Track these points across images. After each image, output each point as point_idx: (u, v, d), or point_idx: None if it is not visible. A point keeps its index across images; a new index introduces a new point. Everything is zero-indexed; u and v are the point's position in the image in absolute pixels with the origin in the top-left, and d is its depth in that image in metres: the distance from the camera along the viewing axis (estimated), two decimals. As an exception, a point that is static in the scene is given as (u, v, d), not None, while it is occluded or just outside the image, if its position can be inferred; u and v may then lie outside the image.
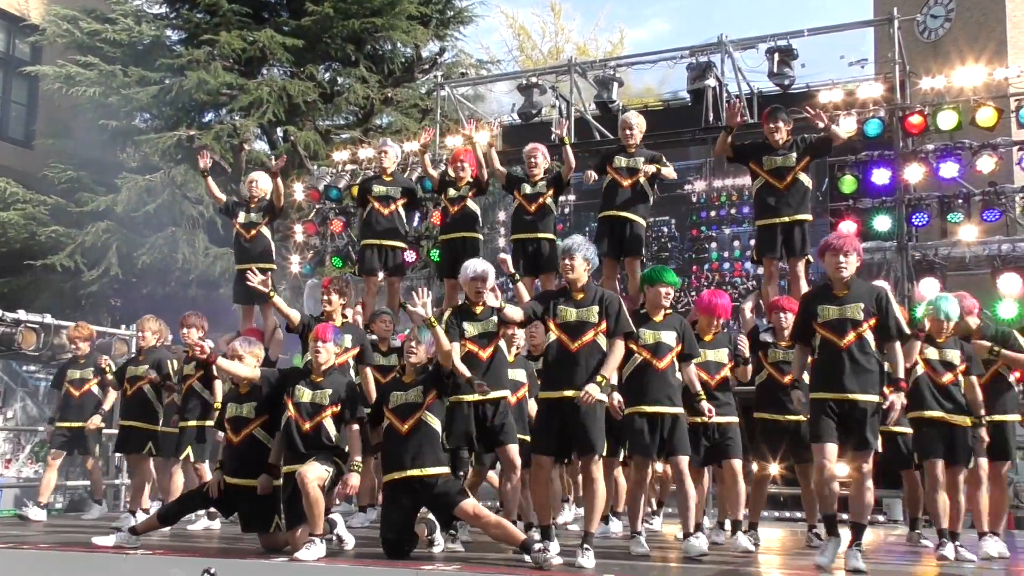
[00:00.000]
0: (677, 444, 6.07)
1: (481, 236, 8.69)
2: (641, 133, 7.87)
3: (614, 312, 5.75)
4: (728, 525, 7.08)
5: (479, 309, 6.24)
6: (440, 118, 13.97)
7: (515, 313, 5.91)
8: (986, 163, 10.22)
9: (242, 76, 16.84)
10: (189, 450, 7.86)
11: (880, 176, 10.55)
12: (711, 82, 11.76)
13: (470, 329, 6.17)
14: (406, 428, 5.81)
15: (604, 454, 5.87)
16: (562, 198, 13.68)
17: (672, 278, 6.36)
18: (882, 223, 10.46)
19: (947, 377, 6.41)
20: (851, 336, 5.49)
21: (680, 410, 6.14)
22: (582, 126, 12.82)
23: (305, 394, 6.14)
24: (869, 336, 5.51)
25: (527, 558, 5.37)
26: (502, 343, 6.30)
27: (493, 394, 6.04)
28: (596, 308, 5.73)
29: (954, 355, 6.47)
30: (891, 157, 10.69)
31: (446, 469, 5.83)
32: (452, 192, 8.48)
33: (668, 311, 6.34)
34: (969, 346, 6.65)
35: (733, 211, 12.15)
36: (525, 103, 12.87)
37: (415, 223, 12.82)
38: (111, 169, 16.82)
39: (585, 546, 5.44)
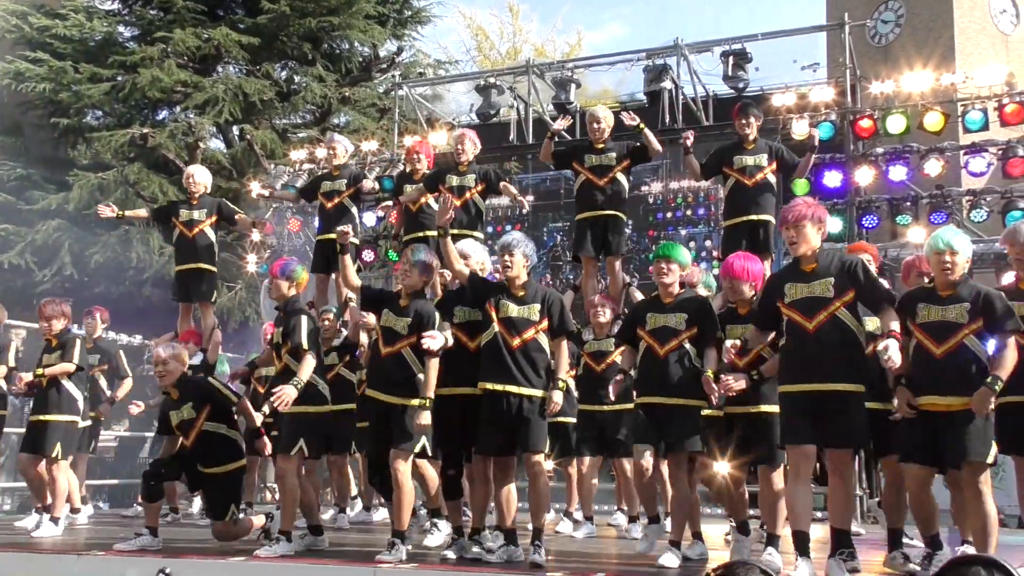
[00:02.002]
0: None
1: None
2: (609, 128, 7.71)
3: (557, 312, 5.68)
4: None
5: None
6: (398, 118, 13.96)
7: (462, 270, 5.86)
8: (933, 166, 10.46)
9: (197, 74, 16.69)
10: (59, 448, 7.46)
11: (831, 178, 10.74)
12: (667, 84, 11.89)
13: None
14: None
15: (546, 451, 5.78)
16: (530, 198, 13.85)
17: (674, 252, 5.82)
18: (833, 225, 10.64)
19: None
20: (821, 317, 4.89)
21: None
22: (540, 127, 12.87)
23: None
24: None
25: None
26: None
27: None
28: (537, 306, 5.65)
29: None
30: (842, 160, 10.89)
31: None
32: (408, 188, 8.10)
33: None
34: None
35: (689, 212, 12.29)
36: (483, 104, 12.90)
37: (371, 223, 12.79)
38: (62, 167, 16.58)
39: (536, 543, 5.43)
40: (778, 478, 5.42)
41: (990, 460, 4.77)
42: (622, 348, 6.18)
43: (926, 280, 5.20)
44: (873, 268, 5.36)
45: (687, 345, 5.59)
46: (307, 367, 5.98)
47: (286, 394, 5.81)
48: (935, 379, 4.84)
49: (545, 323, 5.65)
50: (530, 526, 5.55)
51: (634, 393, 5.83)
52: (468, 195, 7.58)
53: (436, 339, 5.53)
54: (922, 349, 4.93)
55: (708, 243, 12.13)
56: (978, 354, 4.83)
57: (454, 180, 7.65)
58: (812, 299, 4.92)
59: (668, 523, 5.94)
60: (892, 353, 4.64)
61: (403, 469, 5.65)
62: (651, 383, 5.63)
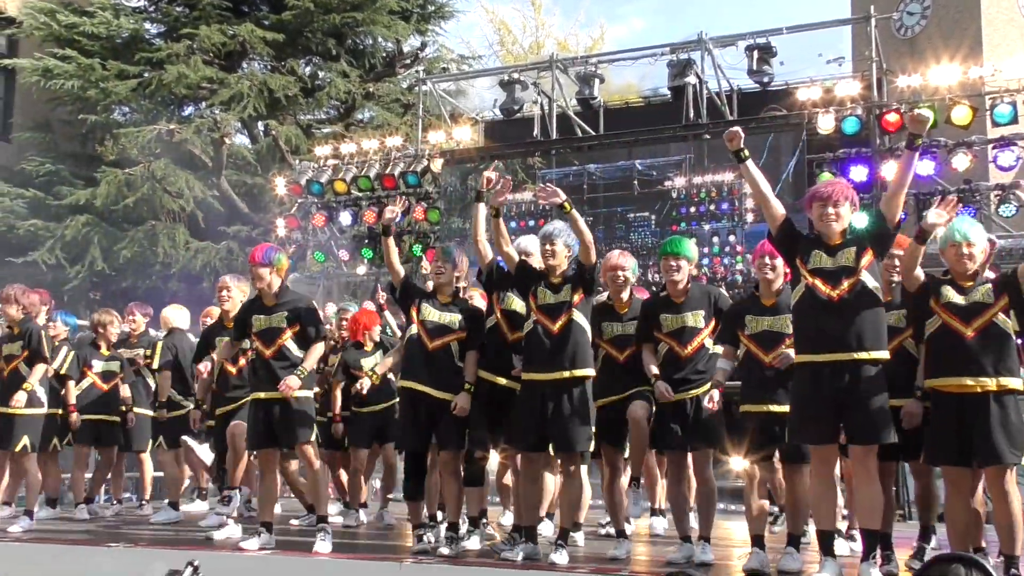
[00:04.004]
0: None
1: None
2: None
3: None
4: None
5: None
6: (422, 113, 14.01)
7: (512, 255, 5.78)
8: (961, 161, 10.36)
9: (222, 70, 16.81)
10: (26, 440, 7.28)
11: (858, 173, 10.67)
12: (691, 79, 11.85)
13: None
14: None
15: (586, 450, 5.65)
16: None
17: (683, 248, 5.73)
18: (859, 220, 10.53)
19: None
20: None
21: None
22: (564, 122, 12.89)
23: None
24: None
25: None
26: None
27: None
28: (569, 286, 5.57)
29: None
30: (868, 154, 10.82)
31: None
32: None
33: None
34: None
35: (713, 207, 12.24)
36: (507, 99, 12.90)
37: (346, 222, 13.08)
38: (90, 163, 16.77)
39: (559, 543, 5.41)
40: (802, 476, 5.33)
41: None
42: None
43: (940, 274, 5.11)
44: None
45: (708, 342, 5.59)
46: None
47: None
48: (965, 360, 4.73)
49: (578, 297, 5.56)
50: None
51: (662, 384, 5.62)
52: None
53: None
54: (950, 331, 4.82)
55: (732, 238, 12.07)
56: (1009, 332, 4.76)
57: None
58: (838, 269, 4.77)
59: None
60: None
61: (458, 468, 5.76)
62: (675, 383, 5.56)
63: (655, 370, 5.64)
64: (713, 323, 5.64)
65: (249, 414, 6.24)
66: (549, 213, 12.94)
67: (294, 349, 6.04)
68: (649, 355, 5.77)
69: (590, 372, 5.58)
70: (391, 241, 6.05)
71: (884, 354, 4.71)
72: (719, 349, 5.59)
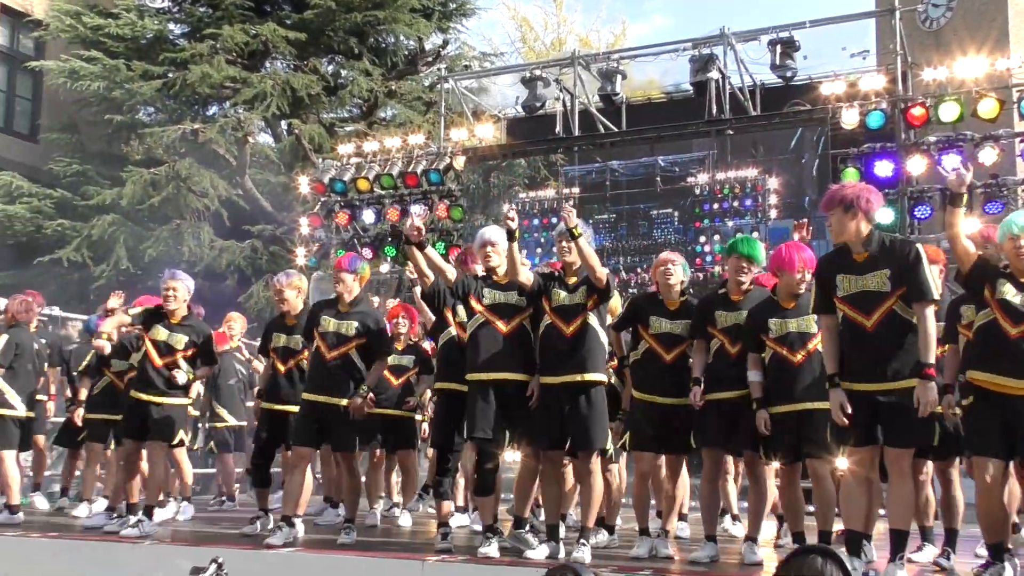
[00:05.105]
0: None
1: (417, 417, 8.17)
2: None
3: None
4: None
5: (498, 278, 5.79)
6: (444, 111, 14.01)
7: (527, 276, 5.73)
8: (988, 155, 10.23)
9: (245, 69, 16.91)
10: None
11: (882, 168, 10.56)
12: (714, 74, 11.76)
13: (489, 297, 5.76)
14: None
15: (604, 447, 5.68)
16: (565, 190, 13.83)
17: (755, 251, 5.71)
18: (884, 215, 10.47)
19: None
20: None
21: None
22: (586, 119, 12.85)
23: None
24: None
25: None
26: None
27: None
28: (584, 288, 5.59)
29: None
30: (893, 149, 10.70)
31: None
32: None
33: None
34: None
35: (736, 203, 12.16)
36: (529, 96, 12.86)
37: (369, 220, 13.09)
38: (116, 163, 16.92)
39: (582, 541, 5.42)
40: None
41: None
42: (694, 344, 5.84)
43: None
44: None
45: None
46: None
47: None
48: (1013, 362, 4.60)
49: (592, 301, 5.57)
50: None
51: (697, 390, 5.62)
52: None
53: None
54: (997, 328, 4.70)
55: (755, 235, 11.98)
56: None
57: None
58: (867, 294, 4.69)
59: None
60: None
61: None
62: (725, 381, 5.54)
63: (697, 372, 5.64)
64: None
65: (300, 412, 6.38)
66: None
67: (356, 360, 6.23)
68: (699, 354, 5.72)
69: (602, 378, 5.59)
70: (417, 252, 5.80)
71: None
72: None
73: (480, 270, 5.98)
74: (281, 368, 6.84)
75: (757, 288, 5.74)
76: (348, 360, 6.20)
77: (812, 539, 5.18)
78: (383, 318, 6.68)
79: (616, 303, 6.35)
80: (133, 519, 6.61)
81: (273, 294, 7.15)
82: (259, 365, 9.16)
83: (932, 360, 4.54)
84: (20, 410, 7.66)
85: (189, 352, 6.87)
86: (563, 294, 5.62)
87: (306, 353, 6.65)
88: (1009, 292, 4.70)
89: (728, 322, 5.60)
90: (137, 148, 17.25)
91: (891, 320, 4.64)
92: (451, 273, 5.85)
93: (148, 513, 6.64)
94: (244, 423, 9.31)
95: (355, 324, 6.23)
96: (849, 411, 4.64)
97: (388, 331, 6.54)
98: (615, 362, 6.32)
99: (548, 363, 5.58)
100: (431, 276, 5.90)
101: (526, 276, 5.73)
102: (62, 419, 8.88)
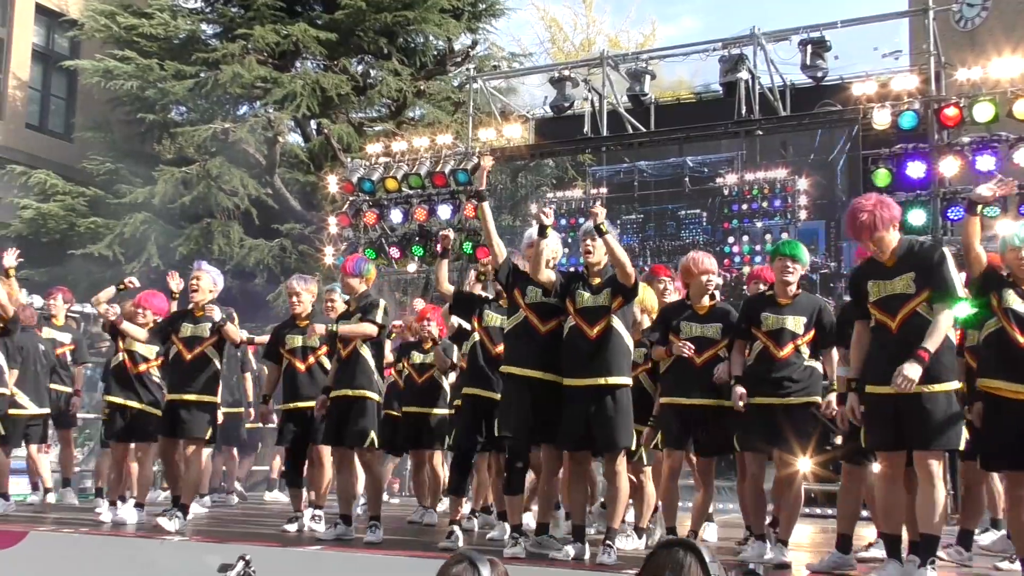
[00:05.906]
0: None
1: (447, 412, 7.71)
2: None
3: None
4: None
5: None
6: (473, 111, 14.02)
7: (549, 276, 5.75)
8: (1023, 156, 10.09)
9: (276, 69, 17.02)
10: None
11: (915, 169, 10.44)
12: (744, 75, 11.68)
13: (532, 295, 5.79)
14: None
15: (631, 447, 5.66)
16: (593, 191, 13.79)
17: (799, 252, 5.71)
18: (917, 217, 10.36)
19: None
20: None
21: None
22: (615, 119, 12.82)
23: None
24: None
25: None
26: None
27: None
28: (608, 290, 5.57)
29: None
30: (926, 150, 10.57)
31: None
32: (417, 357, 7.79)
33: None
34: None
35: (765, 204, 12.09)
36: (557, 96, 12.84)
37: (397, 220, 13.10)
38: (148, 161, 17.09)
39: (607, 542, 5.40)
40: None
41: None
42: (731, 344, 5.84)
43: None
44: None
45: (804, 348, 5.54)
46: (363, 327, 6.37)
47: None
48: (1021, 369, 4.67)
49: (617, 303, 5.56)
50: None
51: (740, 391, 5.58)
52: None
53: None
54: (1006, 336, 4.77)
55: (784, 235, 11.92)
56: None
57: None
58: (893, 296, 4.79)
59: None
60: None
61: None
62: (767, 384, 5.53)
63: (738, 371, 5.65)
64: (812, 333, 5.58)
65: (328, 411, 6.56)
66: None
67: (367, 355, 6.40)
68: (738, 354, 5.72)
69: (627, 380, 5.56)
70: (444, 263, 6.53)
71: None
72: (816, 364, 5.59)
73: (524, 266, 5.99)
74: (301, 367, 7.05)
75: (805, 294, 5.76)
76: (357, 354, 6.41)
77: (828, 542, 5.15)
78: (379, 299, 6.68)
79: (653, 301, 6.32)
80: (174, 511, 6.67)
81: (288, 295, 7.36)
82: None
83: (931, 348, 4.58)
84: (30, 409, 8.38)
85: (214, 339, 7.11)
86: (587, 295, 5.61)
87: (324, 349, 6.97)
88: (1015, 302, 4.85)
89: (772, 325, 5.59)
90: (169, 147, 17.44)
91: (914, 321, 4.70)
92: (501, 253, 5.88)
93: (184, 510, 6.73)
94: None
95: (358, 318, 6.48)
96: (859, 416, 4.78)
97: (382, 307, 6.48)
98: (648, 365, 6.30)
99: (572, 365, 5.58)
100: (502, 250, 5.90)
101: (547, 276, 5.73)
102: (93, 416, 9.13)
